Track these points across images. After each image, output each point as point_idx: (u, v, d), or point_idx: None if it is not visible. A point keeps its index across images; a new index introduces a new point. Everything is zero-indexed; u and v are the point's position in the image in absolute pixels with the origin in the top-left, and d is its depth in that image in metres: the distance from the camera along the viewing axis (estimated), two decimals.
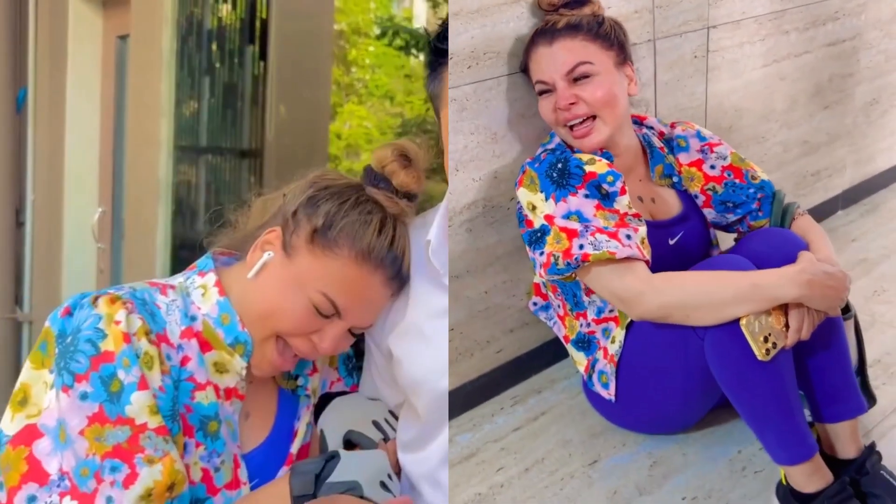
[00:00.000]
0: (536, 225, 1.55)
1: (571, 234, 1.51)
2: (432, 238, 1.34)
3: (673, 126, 1.80)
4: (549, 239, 1.53)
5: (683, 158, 1.75)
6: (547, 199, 1.54)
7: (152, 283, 1.28)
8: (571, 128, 1.60)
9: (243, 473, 1.29)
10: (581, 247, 1.50)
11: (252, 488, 1.29)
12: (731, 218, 1.76)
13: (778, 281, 1.43)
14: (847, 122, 2.60)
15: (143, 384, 1.15)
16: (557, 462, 1.71)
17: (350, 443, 1.36)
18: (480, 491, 1.64)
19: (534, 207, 1.56)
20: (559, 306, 1.76)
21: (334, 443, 1.34)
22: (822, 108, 2.50)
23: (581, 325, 1.72)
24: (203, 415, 1.24)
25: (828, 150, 2.56)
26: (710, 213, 1.76)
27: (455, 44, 1.64)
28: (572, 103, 1.58)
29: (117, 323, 1.16)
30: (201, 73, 3.35)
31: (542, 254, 1.54)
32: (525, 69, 1.69)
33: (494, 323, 1.88)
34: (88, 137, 4.00)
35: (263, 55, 3.01)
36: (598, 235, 1.50)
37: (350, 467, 1.24)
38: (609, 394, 1.68)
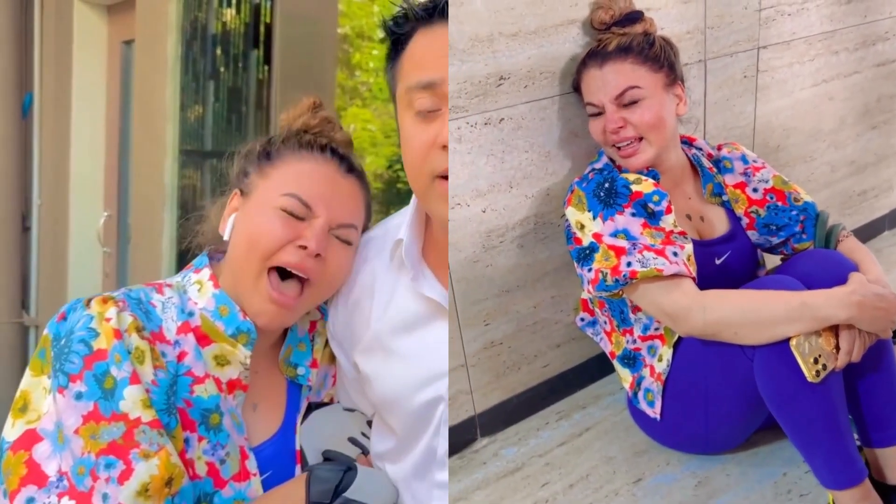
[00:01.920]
0: (585, 243, 1.57)
1: (619, 251, 1.53)
2: (404, 236, 1.32)
3: (719, 148, 1.82)
4: (597, 256, 1.55)
5: (729, 180, 1.77)
6: (595, 217, 1.56)
7: (149, 284, 1.31)
8: (619, 148, 1.62)
9: (252, 464, 1.29)
10: (629, 264, 1.51)
11: (265, 480, 1.30)
12: (775, 241, 1.77)
13: (828, 301, 1.43)
14: (894, 143, 2.59)
15: (134, 378, 1.17)
16: (602, 479, 1.72)
17: (329, 461, 1.36)
18: None
19: (582, 226, 1.58)
20: (606, 322, 1.78)
21: (314, 459, 1.35)
22: (870, 128, 2.49)
23: (627, 342, 1.74)
24: (204, 408, 1.24)
25: (875, 171, 2.56)
26: (753, 236, 1.77)
27: (512, 63, 1.66)
28: (620, 127, 1.60)
29: (108, 320, 1.18)
30: (206, 77, 3.36)
31: (590, 270, 1.56)
32: (577, 88, 1.71)
33: (542, 338, 1.90)
34: (94, 142, 4.01)
35: (268, 59, 3.01)
36: (645, 253, 1.51)
37: (365, 487, 1.27)
38: (655, 412, 1.70)
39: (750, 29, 2.08)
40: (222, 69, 3.34)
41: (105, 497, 1.13)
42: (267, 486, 1.30)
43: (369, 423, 1.41)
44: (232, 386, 1.29)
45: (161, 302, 1.28)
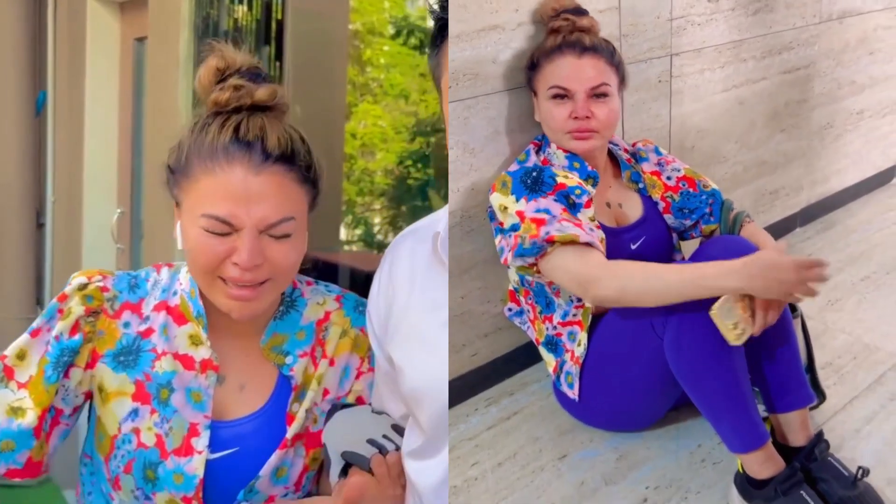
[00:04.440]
0: (507, 223, 1.66)
1: (540, 222, 1.61)
2: (441, 230, 1.33)
3: (634, 145, 1.95)
4: (519, 231, 1.63)
5: (646, 167, 1.90)
6: (518, 199, 1.66)
7: (156, 265, 1.42)
8: (572, 132, 1.72)
9: (200, 443, 1.31)
10: (547, 232, 1.59)
11: (231, 455, 1.33)
12: (688, 223, 1.89)
13: (720, 272, 1.48)
14: (803, 145, 2.73)
15: (35, 332, 1.32)
16: (528, 457, 1.80)
17: (348, 462, 1.37)
18: (455, 484, 1.73)
19: (505, 208, 1.67)
20: (530, 311, 1.87)
21: (335, 458, 1.37)
22: (778, 130, 2.63)
23: (548, 328, 1.83)
24: (158, 383, 1.32)
25: (784, 171, 2.69)
26: (669, 220, 1.89)
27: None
28: (587, 116, 1.70)
29: (69, 285, 1.34)
30: None
31: (509, 236, 1.64)
32: (532, 68, 1.78)
33: (470, 328, 1.97)
34: (107, 139, 4.01)
35: (279, 56, 2.98)
36: (563, 223, 1.60)
37: None
38: (573, 394, 1.79)
39: (663, 37, 2.20)
40: None
41: None
42: (232, 460, 1.33)
43: (395, 427, 1.39)
44: (204, 366, 1.34)
45: (154, 280, 1.39)
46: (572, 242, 1.59)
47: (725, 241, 1.72)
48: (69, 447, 1.42)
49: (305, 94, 2.90)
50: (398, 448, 1.36)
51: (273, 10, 3.01)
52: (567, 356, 1.80)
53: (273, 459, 1.34)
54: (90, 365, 1.33)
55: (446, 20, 1.31)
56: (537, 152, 1.80)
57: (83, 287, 1.34)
